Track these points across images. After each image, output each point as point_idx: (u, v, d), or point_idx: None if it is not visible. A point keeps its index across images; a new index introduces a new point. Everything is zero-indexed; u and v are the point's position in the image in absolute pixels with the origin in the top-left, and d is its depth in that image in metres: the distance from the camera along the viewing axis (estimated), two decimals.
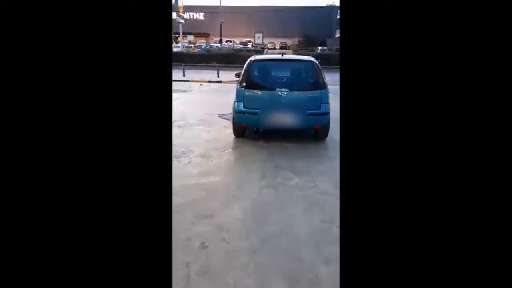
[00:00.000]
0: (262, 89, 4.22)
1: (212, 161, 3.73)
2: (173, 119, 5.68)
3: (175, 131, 4.95)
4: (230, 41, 33.27)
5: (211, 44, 30.31)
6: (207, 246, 2.08)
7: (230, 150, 4.16)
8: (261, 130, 4.53)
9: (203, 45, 29.33)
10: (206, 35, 37.32)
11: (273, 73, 4.62)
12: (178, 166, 3.47)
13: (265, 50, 26.54)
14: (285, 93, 4.10)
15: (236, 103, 4.26)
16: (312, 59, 4.60)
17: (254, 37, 34.71)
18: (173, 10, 30.53)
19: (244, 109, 4.16)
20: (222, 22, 28.30)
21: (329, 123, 4.23)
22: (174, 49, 22.07)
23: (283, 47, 32.73)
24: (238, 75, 4.59)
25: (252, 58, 4.54)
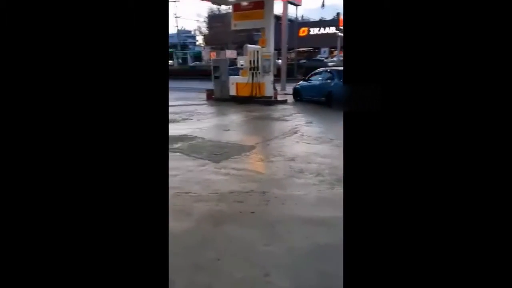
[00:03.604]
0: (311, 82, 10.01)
1: None
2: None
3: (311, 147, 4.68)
4: None
5: None
6: None
7: None
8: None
9: None
10: None
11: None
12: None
13: None
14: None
15: (300, 86, 10.47)
16: (328, 68, 10.24)
17: None
18: (333, 24, 30.88)
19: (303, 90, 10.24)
20: None
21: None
22: (330, 63, 22.17)
23: None
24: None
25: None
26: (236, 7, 10.44)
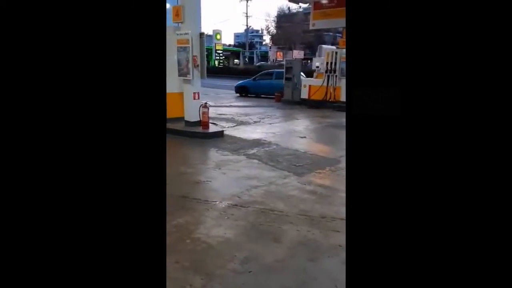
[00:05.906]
0: None
1: None
2: None
3: None
4: None
5: None
6: None
7: None
8: None
9: None
10: None
11: None
12: None
13: None
14: None
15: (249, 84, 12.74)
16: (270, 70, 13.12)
17: None
18: None
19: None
20: None
21: None
22: None
23: None
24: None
25: None
26: (317, 5, 9.92)
